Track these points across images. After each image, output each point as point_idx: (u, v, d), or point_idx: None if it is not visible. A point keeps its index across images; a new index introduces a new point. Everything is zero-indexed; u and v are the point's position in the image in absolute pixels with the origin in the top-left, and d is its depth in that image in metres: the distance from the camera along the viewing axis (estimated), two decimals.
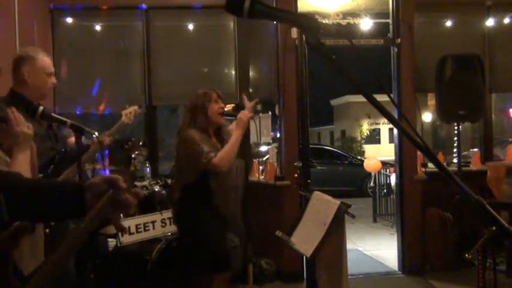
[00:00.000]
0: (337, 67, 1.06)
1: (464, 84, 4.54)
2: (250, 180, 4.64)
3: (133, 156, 3.53)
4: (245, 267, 3.78)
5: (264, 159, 6.39)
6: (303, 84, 4.16)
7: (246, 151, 4.43)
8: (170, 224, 3.57)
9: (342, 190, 11.04)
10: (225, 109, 3.10)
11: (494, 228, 0.99)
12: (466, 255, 3.33)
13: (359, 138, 31.88)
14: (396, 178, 5.15)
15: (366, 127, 33.05)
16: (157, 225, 3.57)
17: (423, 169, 4.94)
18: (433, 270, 4.81)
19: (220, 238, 3.05)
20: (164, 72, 5.01)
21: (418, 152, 4.68)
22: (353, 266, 3.84)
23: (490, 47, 5.30)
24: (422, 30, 5.16)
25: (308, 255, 2.51)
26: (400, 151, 4.98)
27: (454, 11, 5.34)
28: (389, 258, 5.34)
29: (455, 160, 5.23)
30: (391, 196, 7.53)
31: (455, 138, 4.87)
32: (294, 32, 4.66)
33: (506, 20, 5.40)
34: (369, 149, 29.82)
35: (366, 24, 5.06)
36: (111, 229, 3.40)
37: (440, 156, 5.58)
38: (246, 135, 3.86)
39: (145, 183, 3.91)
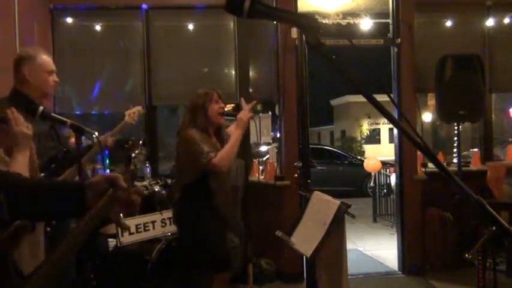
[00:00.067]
0: (337, 67, 1.06)
1: (464, 84, 4.54)
2: (250, 180, 4.65)
3: (133, 155, 3.52)
4: (245, 267, 3.78)
5: (264, 159, 6.39)
6: (303, 84, 4.16)
7: (246, 151, 4.44)
8: (170, 224, 3.57)
9: (342, 190, 11.04)
10: (225, 109, 3.10)
11: (494, 228, 0.99)
12: (466, 255, 3.33)
13: (359, 138, 31.88)
14: (396, 178, 5.15)
15: (366, 127, 33.05)
16: (157, 225, 3.57)
17: (423, 169, 4.94)
18: (433, 270, 4.81)
19: (220, 238, 3.05)
20: (164, 72, 5.01)
21: (418, 152, 4.68)
22: (353, 266, 3.84)
23: (490, 47, 5.30)
24: (422, 30, 5.16)
25: (308, 255, 2.51)
26: (400, 151, 4.98)
27: (454, 11, 5.34)
28: (389, 258, 5.34)
29: (455, 160, 5.24)
30: (391, 196, 7.53)
31: (455, 138, 4.87)
32: (294, 32, 4.66)
33: (506, 20, 5.40)
34: (369, 149, 29.81)
35: (366, 24, 5.06)
36: (111, 229, 3.40)
37: (440, 156, 5.58)
38: (246, 135, 3.86)
39: (145, 183, 3.91)
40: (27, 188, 1.24)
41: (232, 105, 4.67)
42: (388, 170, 8.25)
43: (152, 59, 4.95)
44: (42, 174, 2.34)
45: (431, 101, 6.97)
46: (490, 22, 5.31)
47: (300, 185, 3.66)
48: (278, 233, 2.73)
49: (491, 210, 0.99)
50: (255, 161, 5.25)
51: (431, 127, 15.81)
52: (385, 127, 32.96)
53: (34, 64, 2.65)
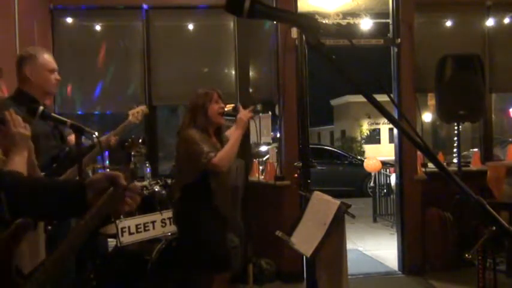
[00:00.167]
0: (337, 67, 1.06)
1: (464, 84, 4.54)
2: (250, 180, 4.65)
3: (132, 154, 3.53)
4: (245, 267, 3.78)
5: (264, 159, 6.39)
6: (303, 84, 4.16)
7: (246, 151, 4.44)
8: (170, 224, 3.57)
9: (342, 190, 11.04)
10: (225, 109, 3.10)
11: (494, 228, 0.99)
12: (466, 255, 3.32)
13: (359, 138, 31.88)
14: (396, 178, 5.15)
15: (366, 127, 33.06)
16: (157, 225, 3.57)
17: (423, 169, 4.94)
18: (433, 270, 4.81)
19: (220, 238, 3.05)
20: (164, 72, 5.01)
21: (418, 152, 4.68)
22: (353, 266, 3.84)
23: (490, 47, 5.30)
24: (422, 30, 5.16)
25: (308, 255, 2.51)
26: (400, 151, 4.98)
27: (454, 11, 5.34)
28: (389, 258, 5.34)
29: (455, 160, 5.23)
30: (391, 196, 7.54)
31: (455, 138, 4.87)
32: (294, 32, 4.66)
33: (506, 20, 5.40)
34: (369, 149, 29.82)
35: (366, 24, 5.06)
36: (111, 229, 3.40)
37: (440, 156, 5.58)
38: (246, 135, 3.86)
39: (145, 183, 3.90)
40: (27, 187, 1.24)
41: (232, 105, 4.65)
42: (388, 170, 8.25)
43: (152, 59, 4.95)
44: (44, 174, 2.35)
45: (431, 101, 6.97)
46: (490, 22, 5.31)
47: (300, 185, 3.66)
48: (278, 233, 2.73)
49: (491, 210, 0.99)
50: (255, 161, 5.25)
51: (431, 127, 15.80)
52: (385, 127, 32.96)
53: (35, 63, 2.68)
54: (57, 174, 2.61)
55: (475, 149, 6.05)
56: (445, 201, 4.70)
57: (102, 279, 3.33)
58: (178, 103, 6.20)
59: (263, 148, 6.88)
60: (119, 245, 3.35)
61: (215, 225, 3.00)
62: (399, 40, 4.91)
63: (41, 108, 2.36)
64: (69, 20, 4.95)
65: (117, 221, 3.28)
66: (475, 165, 5.30)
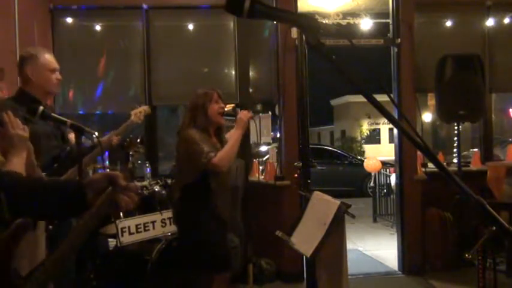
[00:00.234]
0: (337, 67, 1.06)
1: (464, 84, 4.54)
2: (250, 180, 4.65)
3: (130, 153, 3.53)
4: (245, 267, 3.78)
5: (264, 159, 6.39)
6: (303, 84, 4.16)
7: (246, 151, 4.44)
8: (170, 224, 3.57)
9: (342, 190, 11.04)
10: (225, 109, 3.10)
11: (494, 228, 0.99)
12: (466, 255, 3.33)
13: (359, 138, 31.88)
14: (396, 178, 5.15)
15: (366, 127, 33.06)
16: (157, 225, 3.56)
17: (423, 169, 4.94)
18: (433, 270, 4.81)
19: (220, 238, 3.05)
20: (164, 72, 5.01)
21: (418, 152, 4.68)
22: (353, 266, 3.84)
23: (490, 47, 5.30)
24: (422, 30, 5.16)
25: (308, 255, 2.51)
26: (400, 151, 4.98)
27: (454, 11, 5.34)
28: (389, 258, 5.34)
29: (455, 160, 5.23)
30: (391, 196, 7.54)
31: (455, 138, 4.87)
32: (294, 32, 4.66)
33: (506, 20, 5.40)
34: (369, 149, 29.81)
35: (366, 24, 5.06)
36: (111, 229, 3.40)
37: (440, 156, 5.58)
38: (246, 135, 3.86)
39: (145, 183, 3.90)
40: (26, 187, 1.24)
41: (232, 105, 4.65)
42: (388, 170, 8.25)
43: (152, 59, 4.95)
44: (45, 174, 2.35)
45: (431, 101, 6.97)
46: (490, 22, 5.31)
47: (300, 185, 3.67)
48: (278, 233, 2.73)
49: (491, 210, 0.99)
50: (255, 161, 5.25)
51: (431, 127, 15.79)
52: (385, 127, 32.96)
53: (36, 63, 2.69)
54: (58, 174, 2.62)
55: (475, 149, 6.05)
56: (445, 201, 4.70)
57: (102, 279, 3.33)
58: (178, 103, 6.20)
59: (263, 148, 6.89)
60: (119, 245, 3.35)
61: (215, 225, 3.00)
62: (399, 40, 4.91)
63: (41, 108, 2.37)
64: (69, 20, 4.94)
65: (117, 221, 3.28)
66: (475, 165, 5.30)
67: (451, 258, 4.72)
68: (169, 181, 3.87)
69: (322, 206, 2.65)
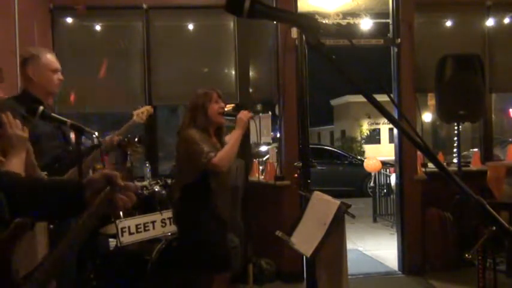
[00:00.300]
0: (337, 67, 1.06)
1: (464, 84, 4.54)
2: (250, 180, 4.65)
3: (129, 153, 3.54)
4: (245, 267, 3.78)
5: (264, 159, 6.39)
6: (303, 84, 4.16)
7: (246, 151, 4.44)
8: (170, 224, 3.57)
9: (342, 190, 11.04)
10: (225, 109, 3.11)
11: (494, 228, 0.99)
12: (466, 255, 3.33)
13: (359, 138, 31.88)
14: (396, 178, 5.15)
15: (366, 127, 33.06)
16: (157, 225, 3.57)
17: (423, 169, 4.94)
18: (433, 270, 4.81)
19: (220, 238, 3.05)
20: (164, 72, 5.01)
21: (418, 152, 4.68)
22: (353, 266, 3.84)
23: (490, 47, 5.30)
24: (422, 30, 5.16)
25: (308, 255, 2.51)
26: (400, 151, 4.98)
27: (454, 11, 5.34)
28: (389, 258, 5.34)
29: (455, 160, 5.23)
30: (391, 196, 7.54)
31: (455, 138, 4.87)
32: (294, 32, 4.66)
33: (506, 20, 5.40)
34: (369, 149, 29.81)
35: (366, 24, 5.06)
36: (111, 229, 3.40)
37: (440, 156, 5.58)
38: (246, 135, 3.86)
39: (145, 183, 3.91)
40: (26, 187, 1.24)
41: (232, 105, 4.68)
42: (388, 170, 8.25)
43: (152, 59, 4.95)
44: (46, 173, 2.35)
45: (431, 101, 6.96)
46: (490, 22, 5.31)
47: (300, 185, 3.66)
48: (278, 233, 2.73)
49: (491, 210, 0.99)
50: (255, 161, 5.25)
51: (431, 127, 15.79)
52: (385, 127, 32.96)
53: (38, 64, 2.70)
54: (59, 174, 2.62)
55: (475, 149, 6.05)
56: (445, 201, 4.70)
57: (102, 279, 3.34)
58: (178, 103, 6.21)
59: (263, 148, 6.89)
60: (119, 245, 3.36)
61: (215, 225, 3.00)
62: (399, 40, 4.91)
63: (41, 108, 2.37)
64: (69, 20, 4.94)
65: (117, 221, 3.28)
66: (475, 165, 5.30)
67: (451, 258, 4.72)
68: (169, 181, 3.87)
69: (322, 206, 2.65)
